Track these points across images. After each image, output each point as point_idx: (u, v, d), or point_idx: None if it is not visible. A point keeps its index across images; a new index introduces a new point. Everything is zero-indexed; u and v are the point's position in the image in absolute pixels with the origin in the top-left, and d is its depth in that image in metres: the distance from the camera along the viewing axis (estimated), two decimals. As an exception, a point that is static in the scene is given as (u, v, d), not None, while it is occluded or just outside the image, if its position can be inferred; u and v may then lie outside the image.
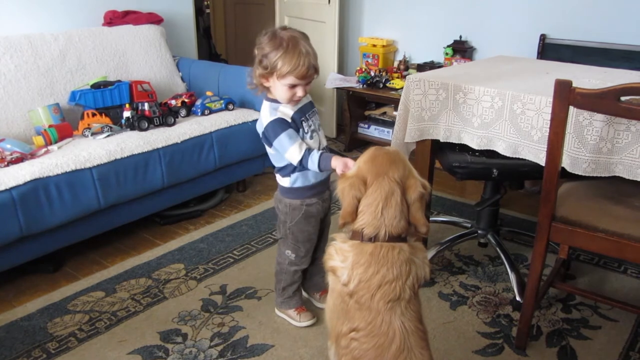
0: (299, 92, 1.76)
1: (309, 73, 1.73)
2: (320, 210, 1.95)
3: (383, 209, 1.28)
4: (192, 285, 2.28)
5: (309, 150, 1.77)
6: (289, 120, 1.78)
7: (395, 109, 3.58)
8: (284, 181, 1.91)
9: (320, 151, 1.78)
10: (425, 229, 1.32)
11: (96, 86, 2.76)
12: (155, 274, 2.36)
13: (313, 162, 1.75)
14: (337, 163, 1.65)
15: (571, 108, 1.58)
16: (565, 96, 1.54)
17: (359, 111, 3.99)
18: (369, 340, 1.23)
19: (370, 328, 1.23)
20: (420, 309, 1.31)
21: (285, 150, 1.77)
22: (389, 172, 1.30)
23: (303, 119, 1.82)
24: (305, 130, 1.82)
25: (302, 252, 1.98)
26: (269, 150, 1.88)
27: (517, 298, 2.11)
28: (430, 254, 2.35)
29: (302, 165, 1.78)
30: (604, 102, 1.49)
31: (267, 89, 1.81)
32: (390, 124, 3.80)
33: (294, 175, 1.87)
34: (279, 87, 1.75)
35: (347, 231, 1.36)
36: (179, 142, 2.64)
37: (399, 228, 1.29)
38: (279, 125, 1.77)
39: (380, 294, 1.24)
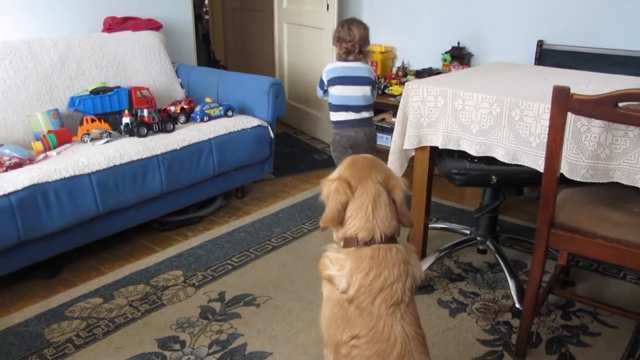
0: None
1: None
2: None
3: (374, 210, 1.28)
4: (191, 292, 2.27)
5: None
6: None
7: (394, 115, 3.57)
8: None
9: None
10: (411, 223, 1.37)
11: (95, 92, 2.76)
12: (154, 281, 2.35)
13: None
14: None
15: (569, 114, 1.58)
16: (564, 102, 1.54)
17: (357, 117, 3.99)
18: (370, 347, 1.22)
19: (372, 334, 1.22)
20: (417, 313, 1.31)
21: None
22: (371, 174, 1.32)
23: None
24: None
25: None
26: (370, 91, 2.82)
27: (517, 305, 2.10)
28: (430, 261, 2.35)
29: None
30: (602, 108, 1.49)
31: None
32: (388, 130, 3.79)
33: None
34: None
35: (338, 240, 1.36)
36: (178, 148, 2.64)
37: (391, 228, 1.30)
38: None
39: (382, 297, 1.23)
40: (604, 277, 2.38)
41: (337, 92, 2.80)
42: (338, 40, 2.83)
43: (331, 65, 2.86)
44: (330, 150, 2.96)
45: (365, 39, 2.81)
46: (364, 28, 2.81)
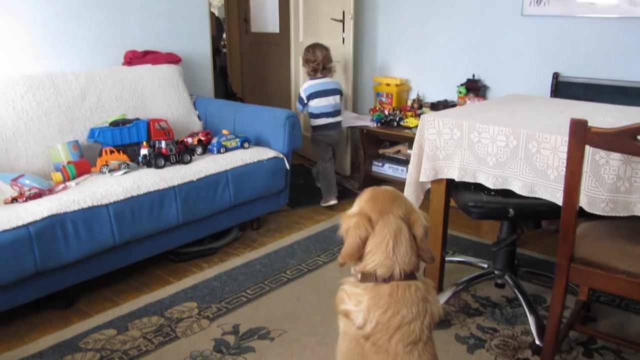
0: None
1: None
2: None
3: (394, 247, 1.27)
4: (205, 324, 2.25)
5: None
6: None
7: (410, 147, 3.59)
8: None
9: None
10: (432, 258, 1.34)
11: (115, 124, 2.81)
12: (168, 313, 2.34)
13: None
14: None
15: (587, 147, 1.57)
16: (581, 136, 1.53)
17: (373, 149, 4.00)
18: None
19: None
20: (435, 351, 1.28)
21: None
22: (392, 209, 1.30)
23: None
24: None
25: None
26: (339, 99, 3.68)
27: (537, 341, 2.05)
28: (447, 295, 2.31)
29: None
30: (621, 141, 1.48)
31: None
32: (404, 162, 3.80)
33: None
34: None
35: (355, 273, 1.34)
36: (194, 179, 2.66)
37: (411, 265, 1.28)
38: None
39: (399, 335, 1.21)
40: (627, 313, 2.31)
41: (316, 104, 3.59)
42: (306, 62, 3.63)
43: (307, 84, 3.63)
44: (313, 147, 3.82)
45: (327, 58, 3.60)
46: (325, 50, 3.61)
